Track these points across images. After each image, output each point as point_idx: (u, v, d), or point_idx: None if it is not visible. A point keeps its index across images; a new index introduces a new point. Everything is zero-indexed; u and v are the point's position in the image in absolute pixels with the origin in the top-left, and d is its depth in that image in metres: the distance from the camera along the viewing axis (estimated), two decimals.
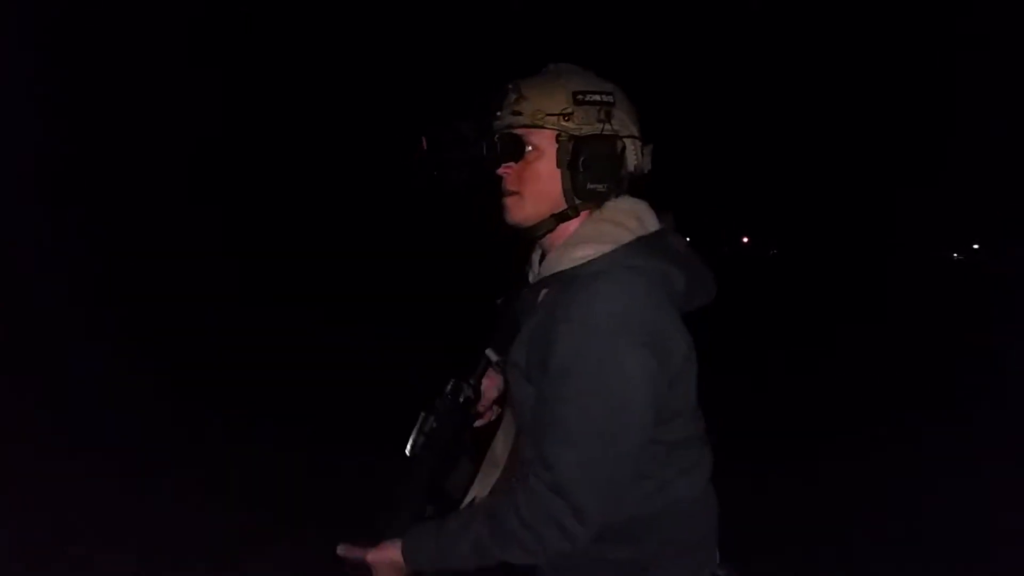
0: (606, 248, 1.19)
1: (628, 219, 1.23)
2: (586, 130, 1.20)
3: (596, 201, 1.23)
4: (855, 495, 3.95)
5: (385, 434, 4.80)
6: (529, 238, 1.29)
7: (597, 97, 1.21)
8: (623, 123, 1.23)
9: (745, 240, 61.75)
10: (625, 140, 1.23)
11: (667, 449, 1.21)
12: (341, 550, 1.27)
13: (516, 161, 1.24)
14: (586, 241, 1.20)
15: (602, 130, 1.20)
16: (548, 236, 1.26)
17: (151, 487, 3.72)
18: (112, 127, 12.45)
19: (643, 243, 1.21)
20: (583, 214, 1.24)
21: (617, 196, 1.25)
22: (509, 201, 1.27)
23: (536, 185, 1.23)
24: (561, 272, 1.20)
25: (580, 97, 1.20)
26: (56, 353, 5.89)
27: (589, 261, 1.18)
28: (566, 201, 1.23)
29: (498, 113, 1.25)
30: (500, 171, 1.26)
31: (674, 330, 1.17)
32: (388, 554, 1.23)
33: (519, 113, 1.22)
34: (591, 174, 1.20)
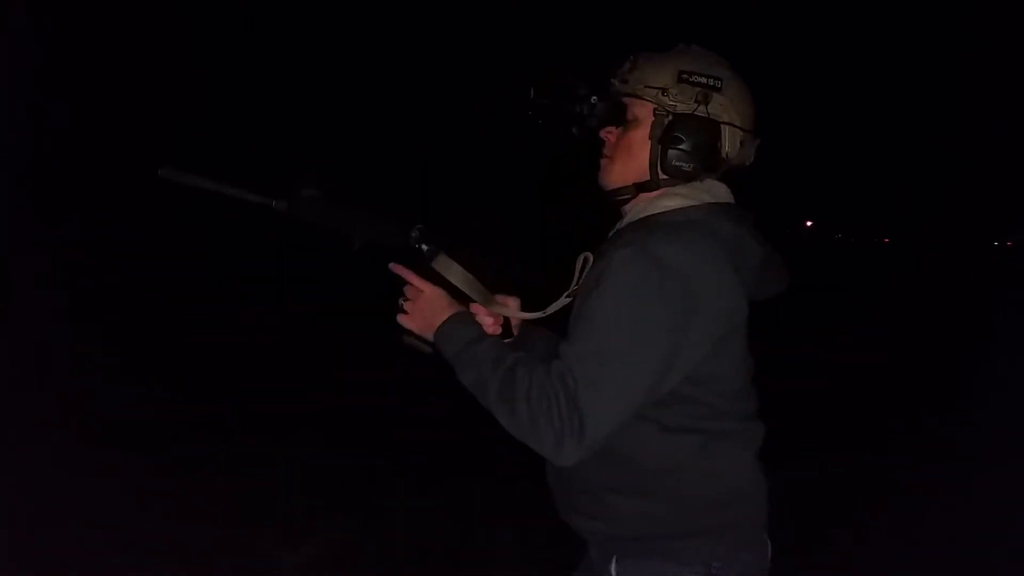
0: (693, 202, 1.25)
1: (710, 190, 1.29)
2: (681, 108, 1.24)
3: (679, 179, 1.27)
4: (854, 494, 3.84)
5: (413, 428, 4.77)
6: (611, 202, 1.35)
7: (703, 79, 1.24)
8: (725, 110, 1.25)
9: (808, 224, 60.09)
10: (724, 127, 1.26)
11: (710, 412, 1.22)
12: (394, 266, 1.32)
13: (616, 126, 1.32)
14: (673, 195, 1.27)
15: (695, 110, 1.24)
16: (628, 204, 1.32)
17: (176, 483, 3.67)
18: (108, 127, 12.36)
19: (727, 208, 1.27)
20: (664, 189, 1.29)
21: (702, 181, 1.29)
22: (604, 163, 1.34)
23: (627, 153, 1.29)
24: (646, 217, 1.26)
25: (684, 76, 1.24)
26: (62, 355, 5.71)
27: (674, 210, 1.25)
28: (650, 173, 1.27)
29: (612, 80, 1.30)
30: (602, 133, 1.33)
31: (731, 301, 1.18)
32: (437, 302, 1.28)
33: (626, 82, 1.28)
34: (679, 152, 1.24)
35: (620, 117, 1.30)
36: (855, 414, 5.37)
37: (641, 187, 1.28)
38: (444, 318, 1.27)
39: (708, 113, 1.24)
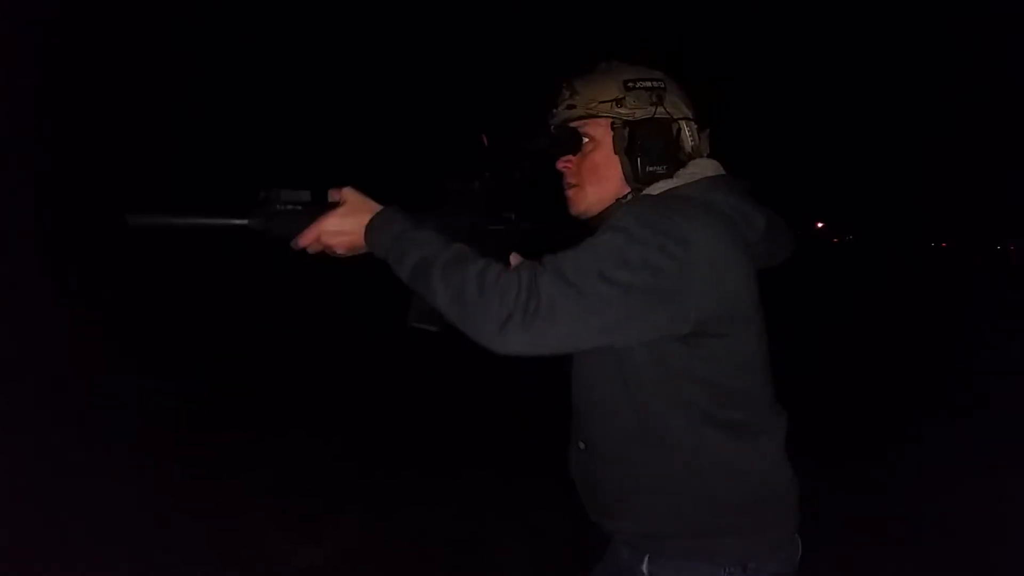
0: (688, 180, 1.22)
1: (703, 168, 1.26)
2: (639, 114, 1.23)
3: (656, 182, 1.25)
4: (854, 494, 3.78)
5: (421, 427, 4.76)
6: (596, 226, 1.29)
7: (648, 83, 1.25)
8: (676, 106, 1.26)
9: (819, 225, 59.63)
10: (680, 123, 1.26)
11: (736, 397, 1.19)
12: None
13: (574, 154, 1.29)
14: (668, 179, 1.24)
15: (655, 113, 1.23)
16: None
17: (179, 483, 3.65)
18: (108, 125, 12.31)
19: (723, 179, 1.24)
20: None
21: (686, 166, 1.26)
22: (571, 194, 1.31)
23: (596, 175, 1.27)
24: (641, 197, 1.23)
25: (631, 84, 1.24)
26: (64, 354, 5.66)
27: (671, 188, 1.22)
28: (628, 186, 1.26)
29: (553, 110, 1.29)
30: (560, 165, 1.31)
31: (737, 278, 1.12)
32: (361, 204, 1.17)
33: (573, 106, 1.26)
34: (649, 157, 1.23)
35: (575, 144, 1.28)
36: (855, 414, 5.32)
37: (623, 201, 1.26)
38: (373, 213, 1.16)
39: (667, 112, 1.24)
